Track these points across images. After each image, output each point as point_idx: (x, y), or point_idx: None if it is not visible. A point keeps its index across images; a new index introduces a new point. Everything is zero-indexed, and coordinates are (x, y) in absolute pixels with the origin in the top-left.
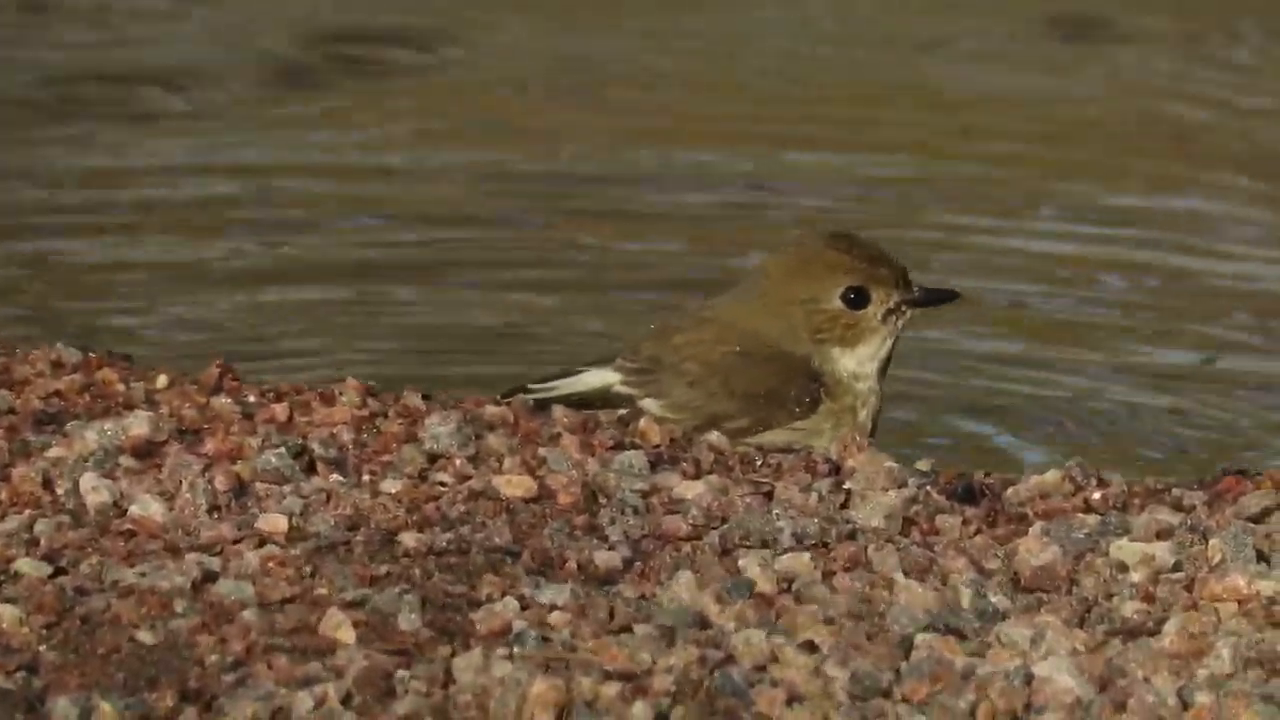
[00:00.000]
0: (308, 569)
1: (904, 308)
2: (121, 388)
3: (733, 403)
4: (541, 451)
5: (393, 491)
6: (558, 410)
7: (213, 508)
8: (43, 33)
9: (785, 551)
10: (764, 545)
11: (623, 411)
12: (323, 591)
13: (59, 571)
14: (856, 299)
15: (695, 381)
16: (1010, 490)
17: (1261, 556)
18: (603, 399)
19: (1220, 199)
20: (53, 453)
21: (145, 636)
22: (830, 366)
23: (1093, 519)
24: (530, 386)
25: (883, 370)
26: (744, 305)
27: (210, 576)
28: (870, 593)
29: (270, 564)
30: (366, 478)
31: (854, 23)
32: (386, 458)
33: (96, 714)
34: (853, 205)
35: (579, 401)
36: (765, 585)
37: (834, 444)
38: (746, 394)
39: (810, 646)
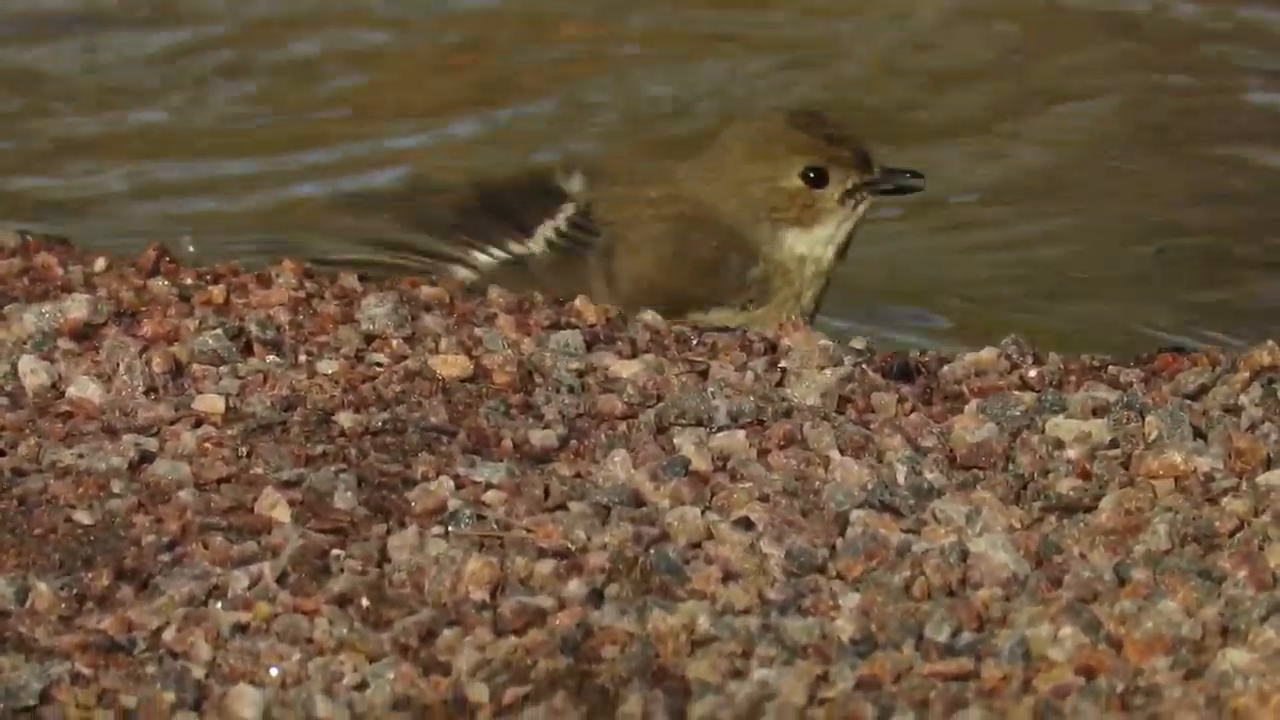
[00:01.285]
0: (244, 449)
1: (864, 191)
2: (60, 271)
3: (667, 275)
4: (477, 331)
5: (329, 372)
6: (493, 290)
7: (150, 389)
8: None
9: (720, 430)
10: (699, 423)
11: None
12: (259, 471)
13: None
14: (815, 178)
15: (639, 249)
16: (946, 368)
17: (1198, 433)
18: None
19: None
20: None
21: (82, 517)
22: (781, 254)
23: (1029, 396)
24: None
25: (840, 254)
26: (702, 179)
27: (147, 457)
28: (805, 470)
29: (207, 445)
30: (303, 358)
31: None
32: (323, 338)
33: (33, 594)
34: None
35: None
36: (700, 463)
37: (770, 323)
38: (689, 266)
39: (745, 524)
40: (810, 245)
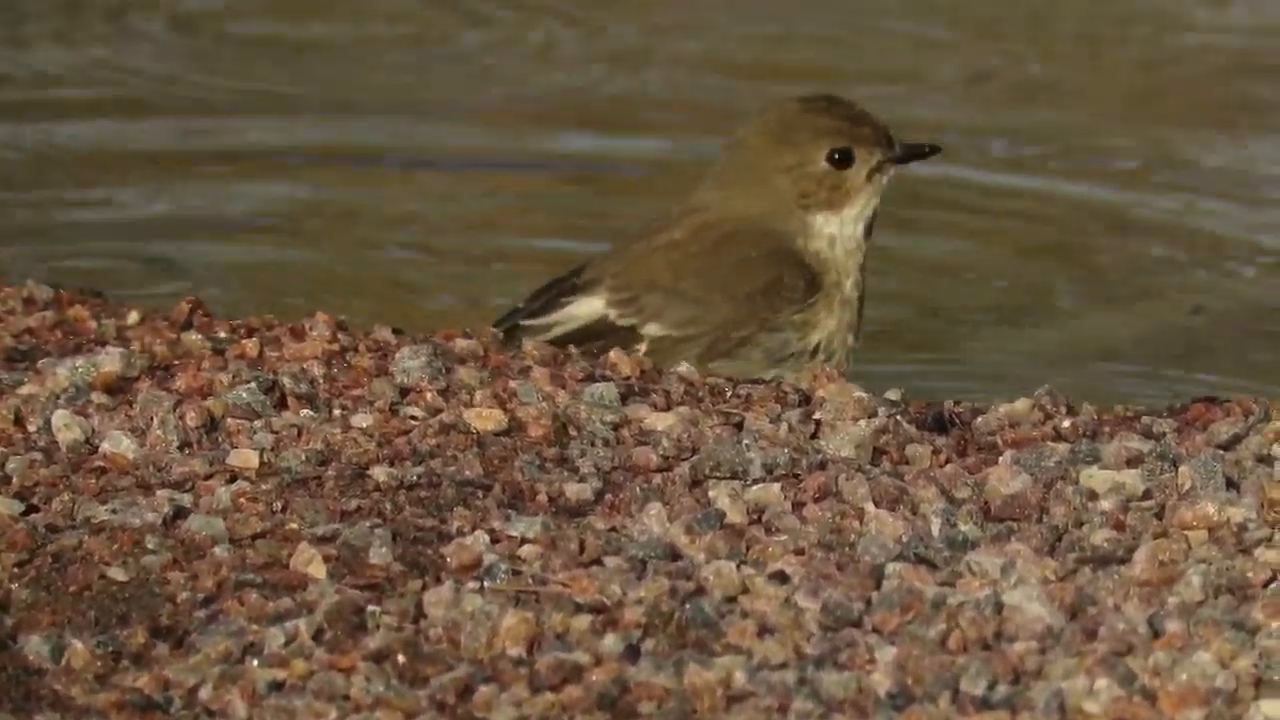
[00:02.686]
0: (278, 504)
1: (888, 165)
2: (93, 324)
3: (732, 306)
4: (512, 384)
5: (363, 425)
6: (528, 343)
7: (184, 444)
8: None
9: (755, 482)
10: (734, 476)
11: (637, 349)
12: (294, 526)
13: (30, 509)
14: (841, 159)
15: (691, 296)
16: (980, 419)
17: (1231, 483)
18: (601, 331)
19: None
20: (25, 390)
21: (117, 573)
22: (815, 243)
23: (1063, 447)
24: (523, 324)
25: (867, 232)
26: (726, 187)
27: (181, 513)
28: (840, 523)
29: (241, 499)
30: (337, 412)
31: None
32: (357, 392)
33: (69, 651)
34: None
35: (579, 338)
36: (735, 516)
37: (804, 374)
38: (745, 294)
39: (781, 577)
40: (840, 226)
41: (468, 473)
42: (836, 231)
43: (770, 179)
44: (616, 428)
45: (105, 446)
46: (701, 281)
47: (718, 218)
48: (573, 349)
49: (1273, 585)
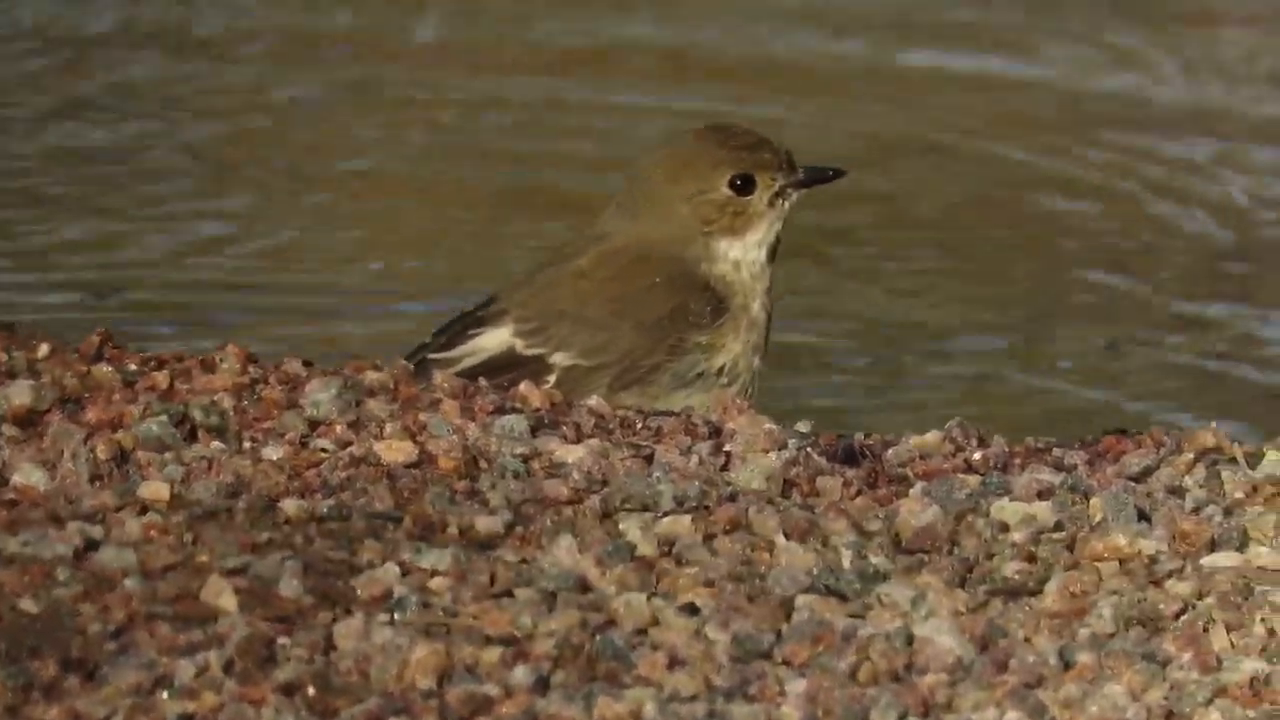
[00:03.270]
0: (189, 536)
1: (789, 190)
2: (3, 356)
3: (640, 333)
4: (422, 417)
5: (274, 458)
6: (438, 375)
7: (94, 476)
8: None
9: (666, 514)
10: (644, 508)
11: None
12: (204, 559)
13: None
14: (743, 185)
15: (599, 324)
16: (891, 451)
17: (1143, 515)
18: (510, 362)
19: None
20: None
21: (27, 605)
22: (719, 267)
23: (973, 479)
24: (431, 357)
25: (771, 256)
26: (631, 215)
27: (92, 545)
28: (751, 555)
29: (152, 532)
30: (247, 444)
31: None
32: (267, 424)
33: None
34: None
35: (488, 370)
36: (646, 548)
37: (714, 405)
38: (652, 321)
39: (691, 609)
40: (744, 251)
41: (378, 505)
42: (740, 256)
43: (673, 207)
44: (527, 460)
45: (16, 479)
46: (608, 309)
47: (622, 245)
48: (483, 381)
49: (1184, 617)
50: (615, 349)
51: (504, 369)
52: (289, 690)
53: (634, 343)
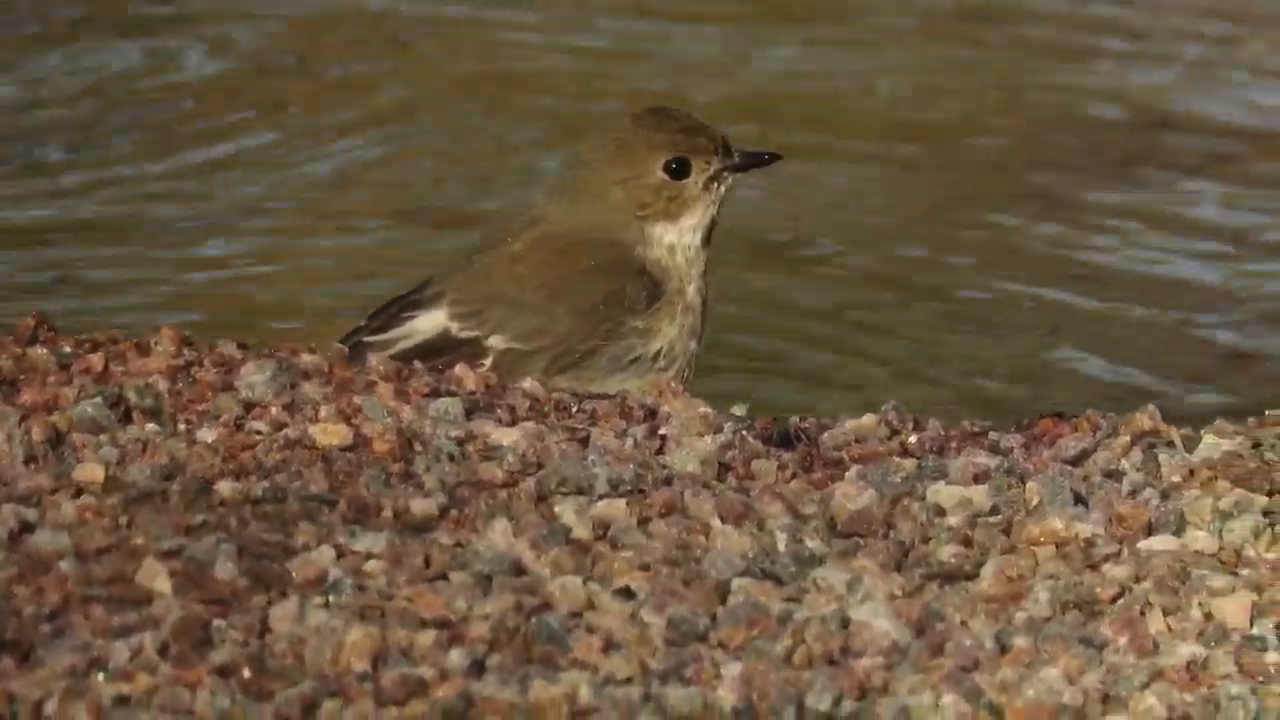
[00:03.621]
0: (124, 519)
1: (725, 174)
2: None
3: (576, 317)
4: (357, 399)
5: (209, 440)
6: (373, 358)
7: (29, 458)
8: None
9: (601, 498)
10: (580, 492)
11: (482, 363)
12: (139, 541)
13: None
14: (678, 169)
15: (534, 307)
16: (826, 435)
17: (1079, 499)
18: (445, 345)
19: None
20: None
21: None
22: (654, 252)
23: (909, 463)
24: (366, 340)
25: (706, 240)
26: (567, 200)
27: (27, 527)
28: (686, 538)
29: (87, 514)
30: (182, 427)
31: None
32: (202, 407)
33: None
34: None
35: (423, 353)
36: (581, 532)
37: (650, 389)
38: (588, 305)
39: (626, 593)
40: (679, 235)
41: (313, 488)
42: (676, 240)
43: (608, 191)
44: (462, 443)
45: None
46: (544, 293)
47: (558, 229)
48: (418, 364)
49: (1121, 601)
50: (551, 333)
51: (439, 352)
52: (224, 673)
53: (570, 327)
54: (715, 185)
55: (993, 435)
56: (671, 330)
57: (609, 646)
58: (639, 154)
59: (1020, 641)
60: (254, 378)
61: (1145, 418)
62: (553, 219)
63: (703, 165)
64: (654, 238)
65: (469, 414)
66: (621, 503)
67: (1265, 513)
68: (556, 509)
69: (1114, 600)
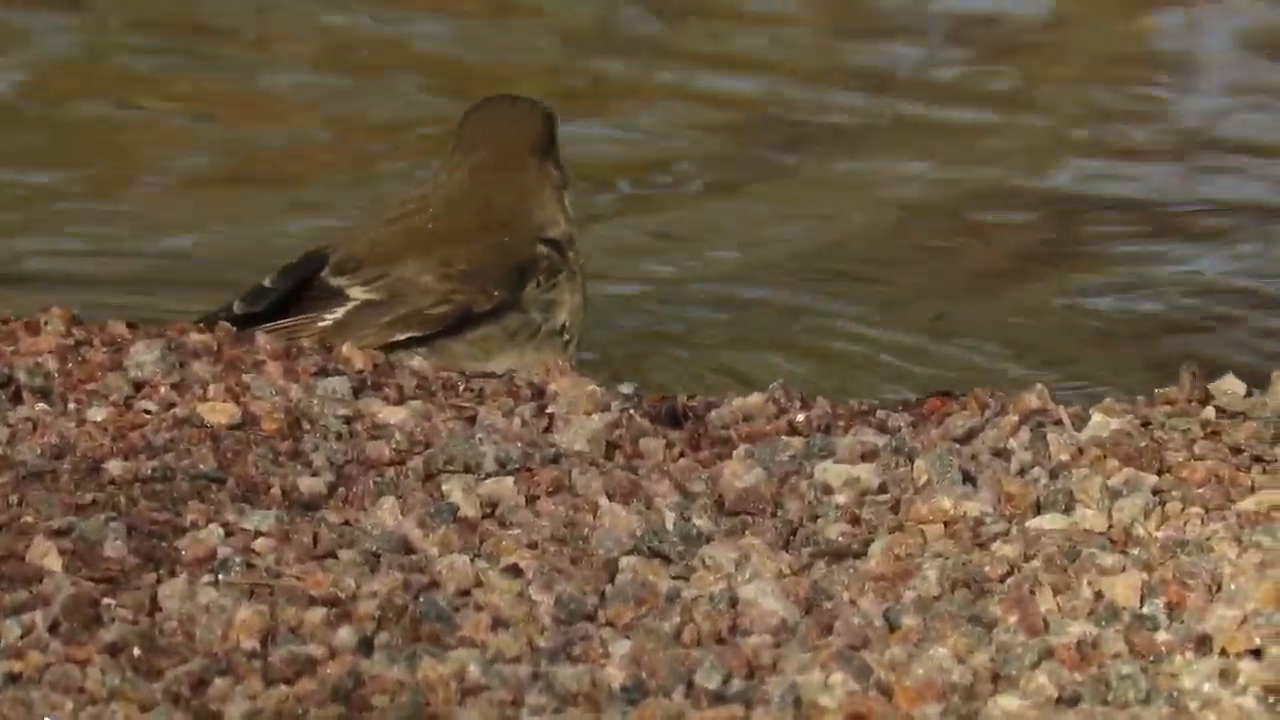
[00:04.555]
0: (14, 497)
1: None
2: None
3: (478, 285)
4: (245, 378)
5: (98, 419)
6: (261, 337)
7: None
8: None
9: (489, 476)
10: (467, 470)
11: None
12: (29, 520)
13: None
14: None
15: (438, 273)
16: (714, 413)
17: (968, 477)
18: (313, 293)
19: None
20: None
21: None
22: (560, 221)
23: (797, 441)
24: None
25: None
26: (472, 169)
27: None
28: (574, 516)
29: None
30: (72, 406)
31: None
32: (92, 386)
33: None
34: None
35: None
36: (469, 510)
37: (537, 368)
38: (496, 275)
39: (515, 571)
40: (570, 206)
41: (202, 467)
42: (570, 211)
43: (522, 158)
44: (349, 421)
45: None
46: (450, 259)
47: (465, 195)
48: (305, 342)
49: (1010, 580)
50: (451, 300)
51: (301, 300)
52: (114, 651)
53: (470, 295)
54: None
55: (880, 414)
56: (576, 299)
57: (497, 625)
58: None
59: (909, 620)
60: (143, 357)
61: (1033, 397)
62: (455, 187)
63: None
64: (561, 206)
65: (357, 393)
66: (509, 481)
67: (1155, 491)
68: (444, 487)
69: (1003, 579)
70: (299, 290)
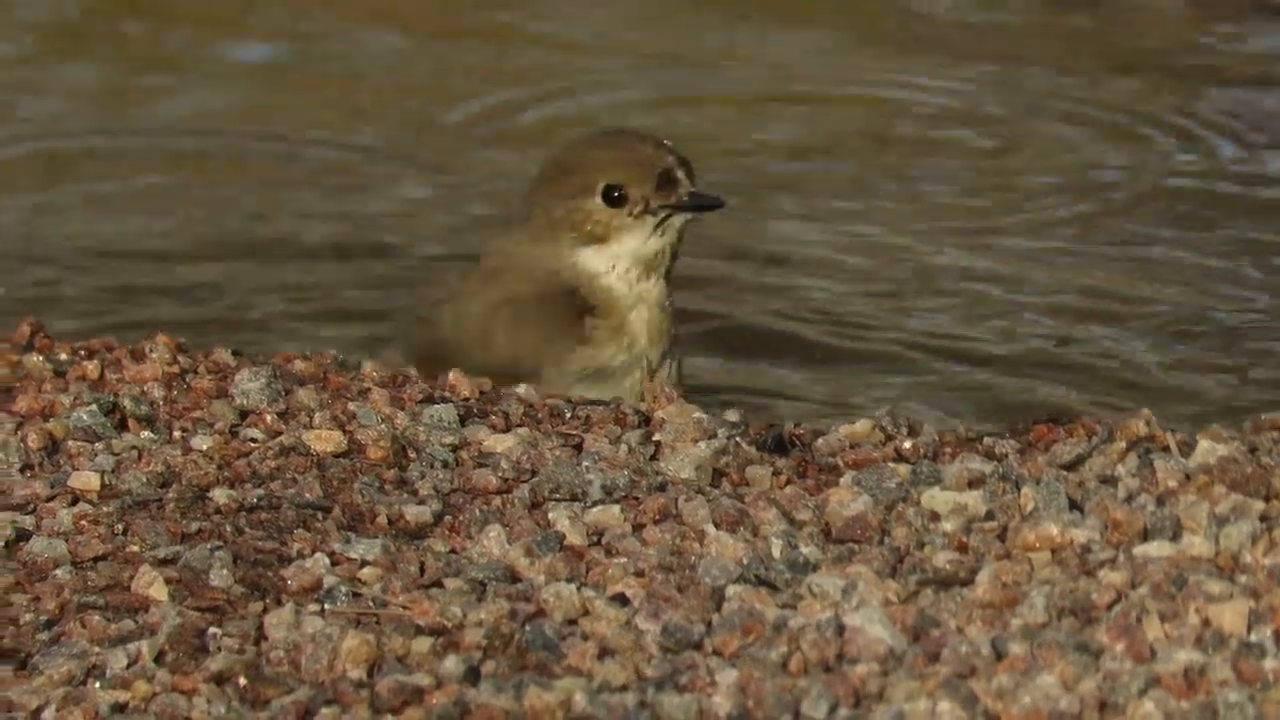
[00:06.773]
0: (120, 526)
1: (662, 210)
2: None
3: (517, 350)
4: (351, 406)
5: (204, 448)
6: (367, 364)
7: (25, 466)
8: None
9: (595, 504)
10: (573, 498)
11: None
12: (135, 549)
13: None
14: (617, 197)
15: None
16: (820, 440)
17: (1074, 504)
18: None
19: None
20: None
21: None
22: (586, 275)
23: (904, 468)
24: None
25: (648, 270)
26: (520, 232)
27: (24, 535)
28: (681, 545)
29: (83, 522)
30: (178, 434)
31: None
32: (197, 414)
33: None
34: None
35: None
36: (575, 538)
37: (644, 394)
38: (529, 340)
39: (621, 599)
40: (608, 261)
41: (307, 495)
42: (602, 266)
43: (550, 212)
44: (455, 449)
45: None
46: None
47: (510, 267)
48: (412, 371)
49: (1117, 607)
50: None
51: None
52: (220, 680)
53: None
54: (650, 218)
55: (987, 441)
56: (611, 350)
57: (603, 653)
58: (577, 177)
59: (1016, 648)
60: (248, 384)
61: (1140, 423)
62: (508, 250)
63: (639, 196)
64: (584, 260)
65: (463, 420)
66: (615, 509)
67: (1262, 518)
68: (550, 515)
69: (1110, 606)
70: None
